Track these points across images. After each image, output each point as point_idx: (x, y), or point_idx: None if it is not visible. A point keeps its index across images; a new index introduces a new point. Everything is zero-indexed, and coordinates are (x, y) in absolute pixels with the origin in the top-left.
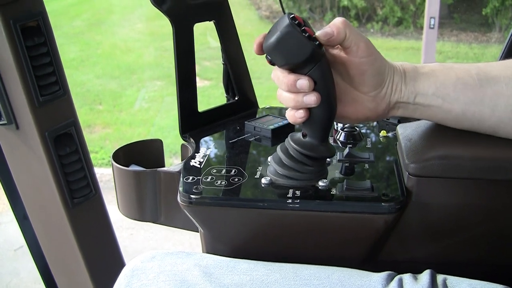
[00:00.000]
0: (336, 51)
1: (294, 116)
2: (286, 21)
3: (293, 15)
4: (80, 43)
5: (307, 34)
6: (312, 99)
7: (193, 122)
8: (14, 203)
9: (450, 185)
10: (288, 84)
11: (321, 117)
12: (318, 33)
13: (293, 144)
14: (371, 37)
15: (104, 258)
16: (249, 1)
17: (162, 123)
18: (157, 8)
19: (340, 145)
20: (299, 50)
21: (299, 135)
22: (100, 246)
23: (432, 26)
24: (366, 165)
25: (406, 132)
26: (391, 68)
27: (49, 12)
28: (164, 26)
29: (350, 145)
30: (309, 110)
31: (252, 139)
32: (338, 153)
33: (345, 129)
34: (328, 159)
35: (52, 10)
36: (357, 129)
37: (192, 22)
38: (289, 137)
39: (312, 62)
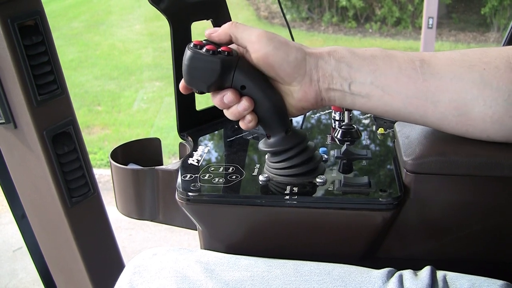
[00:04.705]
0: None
1: (244, 124)
2: (187, 49)
3: (192, 43)
4: (78, 44)
5: (210, 51)
6: (244, 105)
7: (191, 121)
8: (13, 203)
9: (448, 182)
10: (219, 104)
11: (269, 112)
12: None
13: (264, 149)
14: (369, 37)
15: (103, 257)
16: (248, 2)
17: (161, 124)
18: (155, 7)
19: (338, 142)
20: (209, 68)
21: (264, 138)
22: (98, 245)
23: (430, 26)
24: (364, 162)
25: (403, 129)
26: (312, 55)
27: (48, 13)
28: (162, 26)
29: (348, 143)
30: (255, 112)
31: (249, 137)
32: (335, 150)
33: (342, 127)
34: (325, 156)
35: (50, 11)
36: (355, 126)
37: (189, 21)
38: (259, 146)
39: (229, 72)
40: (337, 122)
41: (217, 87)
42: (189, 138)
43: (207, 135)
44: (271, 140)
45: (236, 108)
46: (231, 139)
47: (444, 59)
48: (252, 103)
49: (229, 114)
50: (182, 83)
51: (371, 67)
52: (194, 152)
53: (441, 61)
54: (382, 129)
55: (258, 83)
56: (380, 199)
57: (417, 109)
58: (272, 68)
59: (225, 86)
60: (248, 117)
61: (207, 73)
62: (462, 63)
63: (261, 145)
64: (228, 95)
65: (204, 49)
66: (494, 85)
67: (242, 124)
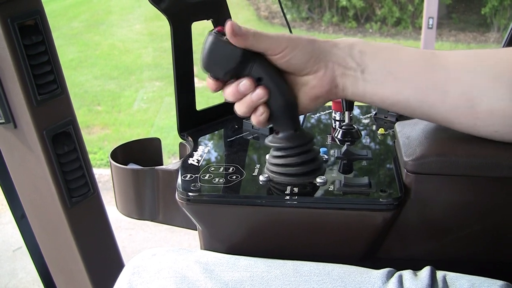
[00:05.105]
0: None
1: (256, 117)
2: (209, 35)
3: (215, 29)
4: (78, 44)
5: None
6: (259, 93)
7: (191, 121)
8: (12, 203)
9: (448, 182)
10: (234, 92)
11: (281, 107)
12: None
13: (271, 144)
14: (370, 37)
15: (103, 257)
16: (248, 2)
17: (161, 124)
18: (155, 7)
19: (338, 142)
20: (230, 54)
21: (273, 134)
22: (98, 245)
23: (430, 26)
24: (364, 163)
25: (404, 129)
26: (326, 43)
27: (48, 13)
28: (162, 26)
29: (348, 143)
30: (268, 106)
31: (250, 137)
32: (336, 150)
33: (342, 127)
34: (325, 156)
35: (50, 10)
36: (355, 127)
37: (190, 21)
38: (265, 141)
39: (248, 62)
40: (337, 122)
41: (233, 75)
42: (189, 138)
43: (207, 135)
44: (280, 135)
45: (250, 97)
46: (231, 139)
47: (455, 54)
48: (267, 93)
49: (241, 104)
50: (208, 79)
51: (384, 55)
52: (194, 152)
53: (452, 55)
54: (382, 129)
55: (275, 77)
56: (380, 199)
57: (426, 98)
58: (290, 65)
59: (241, 76)
60: (261, 109)
61: (227, 60)
62: (474, 58)
63: (268, 140)
64: (244, 82)
65: (225, 37)
66: (505, 80)
67: (253, 118)
